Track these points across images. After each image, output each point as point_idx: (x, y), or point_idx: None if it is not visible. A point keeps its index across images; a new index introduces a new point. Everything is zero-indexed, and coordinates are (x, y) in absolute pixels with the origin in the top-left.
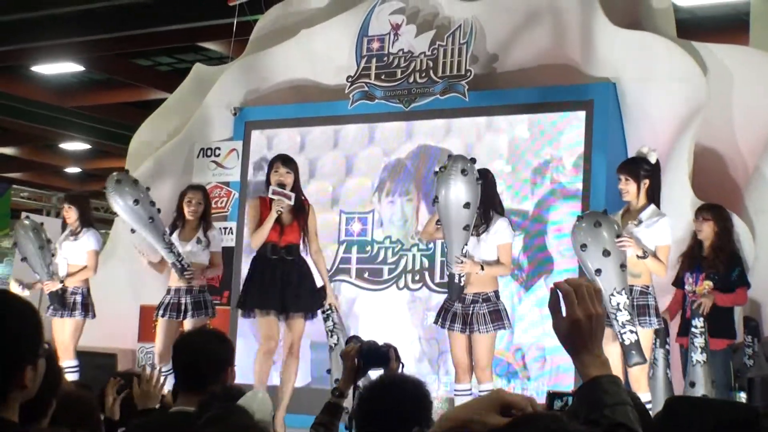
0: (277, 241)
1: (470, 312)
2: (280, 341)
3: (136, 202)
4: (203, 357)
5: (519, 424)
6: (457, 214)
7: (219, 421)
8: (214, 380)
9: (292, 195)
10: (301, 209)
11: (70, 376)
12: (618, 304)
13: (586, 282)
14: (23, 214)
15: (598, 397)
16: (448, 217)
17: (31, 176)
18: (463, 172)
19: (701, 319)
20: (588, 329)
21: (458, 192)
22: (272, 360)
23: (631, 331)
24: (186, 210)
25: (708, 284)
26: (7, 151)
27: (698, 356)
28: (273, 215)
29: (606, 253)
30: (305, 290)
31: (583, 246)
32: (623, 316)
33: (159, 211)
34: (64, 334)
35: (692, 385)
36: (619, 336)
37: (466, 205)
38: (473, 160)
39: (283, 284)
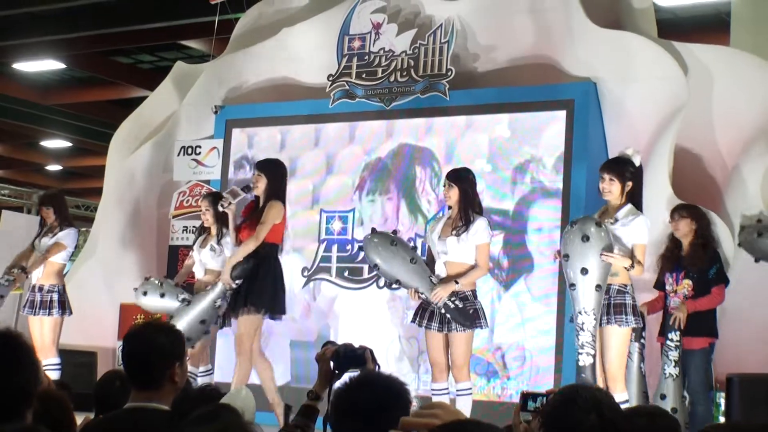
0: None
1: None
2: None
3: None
4: (150, 351)
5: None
6: None
7: (208, 419)
8: (161, 375)
9: (239, 192)
10: (258, 209)
11: (53, 374)
12: (583, 323)
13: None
14: None
15: None
16: None
17: (12, 174)
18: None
19: (677, 332)
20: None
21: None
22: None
23: (588, 354)
24: (203, 218)
25: (687, 283)
26: None
27: (671, 369)
28: (230, 218)
29: (584, 271)
30: (261, 288)
31: (566, 256)
32: (585, 336)
33: None
34: (42, 333)
35: (663, 397)
36: (577, 355)
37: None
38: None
39: (242, 283)
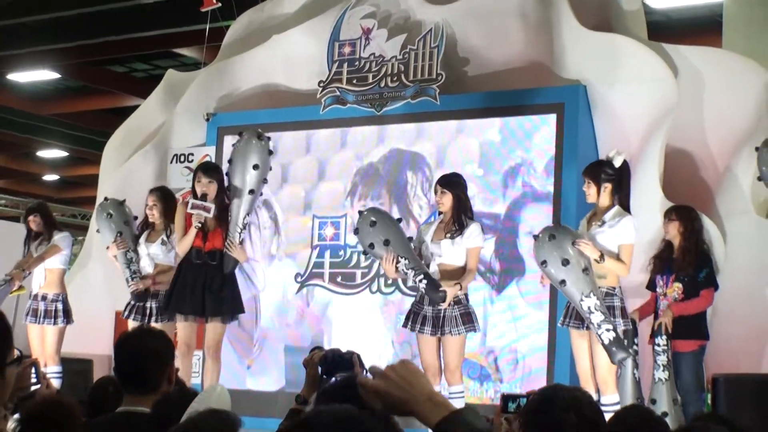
0: (201, 246)
1: (441, 315)
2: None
3: (110, 215)
4: (142, 355)
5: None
6: None
7: (201, 423)
8: (157, 378)
9: (211, 206)
10: (224, 215)
11: (55, 383)
12: (589, 307)
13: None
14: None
15: None
16: None
17: (8, 184)
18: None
19: (664, 337)
20: (397, 391)
21: None
22: (191, 364)
23: (608, 330)
24: (148, 215)
25: (678, 286)
26: None
27: (660, 374)
28: (193, 229)
29: (565, 262)
30: (227, 295)
31: (544, 263)
32: (597, 317)
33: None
34: (45, 342)
35: (653, 402)
36: (598, 337)
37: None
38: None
39: (204, 289)
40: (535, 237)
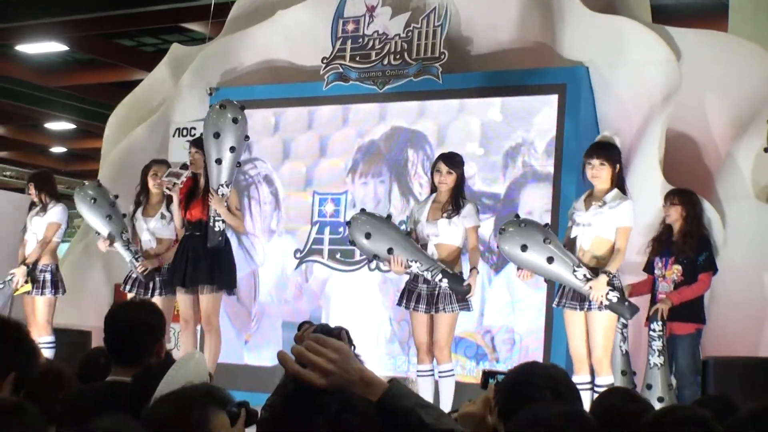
0: (185, 217)
1: (436, 292)
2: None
3: (94, 200)
4: (136, 328)
5: None
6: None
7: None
8: (148, 351)
9: (183, 173)
10: (198, 185)
11: (47, 352)
12: (584, 275)
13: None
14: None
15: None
16: None
17: (16, 155)
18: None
19: (659, 323)
20: (338, 373)
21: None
22: (194, 338)
23: (611, 290)
24: (151, 183)
25: (677, 269)
26: None
27: (655, 359)
28: (174, 199)
29: (547, 240)
30: (209, 264)
31: (524, 247)
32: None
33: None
34: (36, 312)
35: (649, 387)
36: (605, 300)
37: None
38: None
39: (188, 260)
40: (502, 229)
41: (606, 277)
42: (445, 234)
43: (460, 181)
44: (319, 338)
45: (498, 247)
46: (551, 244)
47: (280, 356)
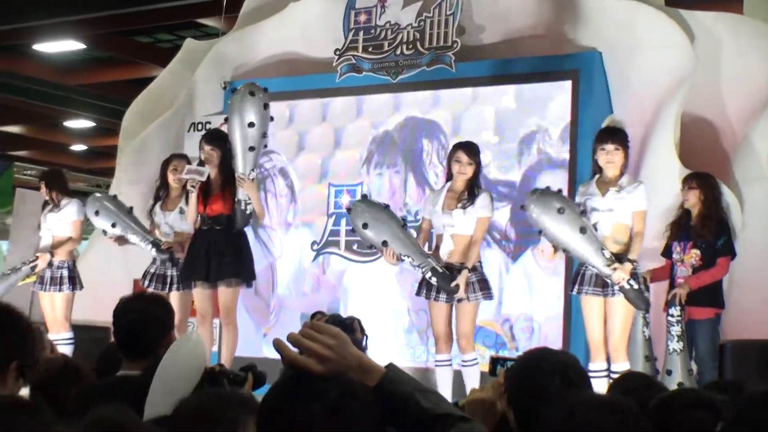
0: (204, 212)
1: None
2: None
3: (96, 212)
4: (145, 321)
5: None
6: None
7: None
8: (158, 345)
9: (205, 170)
10: (228, 180)
11: (66, 348)
12: (611, 255)
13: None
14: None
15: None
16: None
17: (37, 154)
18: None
19: (678, 308)
20: (336, 358)
21: None
22: (211, 332)
23: (632, 278)
24: (171, 178)
25: (695, 253)
26: (12, 129)
27: (675, 345)
28: (192, 194)
29: (583, 213)
30: (232, 258)
31: (561, 209)
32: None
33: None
34: (54, 309)
35: (669, 373)
36: (625, 284)
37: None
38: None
39: (210, 254)
40: (534, 192)
41: (631, 265)
42: (460, 224)
43: (478, 170)
44: (315, 325)
45: (528, 208)
46: (584, 217)
47: (276, 343)
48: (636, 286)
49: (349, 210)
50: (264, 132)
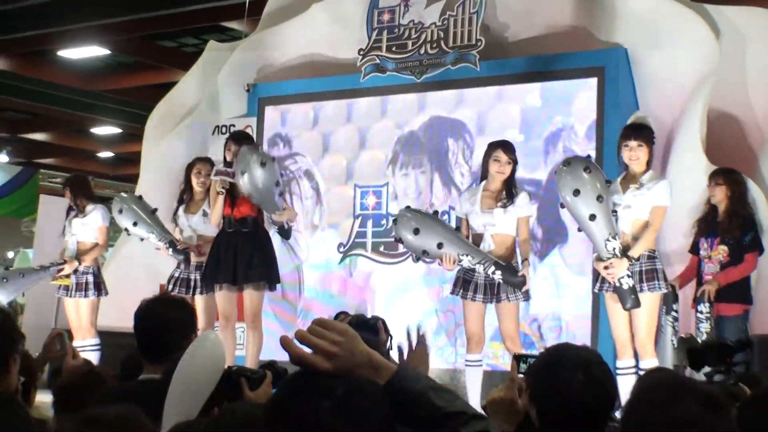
0: (231, 214)
1: (495, 282)
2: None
3: (120, 211)
4: (167, 324)
5: None
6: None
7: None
8: (179, 347)
9: (229, 173)
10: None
11: (92, 355)
12: (614, 249)
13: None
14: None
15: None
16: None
17: (64, 162)
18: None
19: (707, 304)
20: (344, 355)
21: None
22: (234, 335)
23: (628, 276)
24: (195, 182)
25: (723, 249)
26: (38, 136)
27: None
28: (219, 196)
29: (600, 198)
30: (260, 261)
31: (576, 191)
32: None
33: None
34: (79, 315)
35: None
36: (617, 282)
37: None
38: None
39: (237, 257)
40: (566, 162)
41: (628, 262)
42: (502, 223)
43: (515, 169)
44: (322, 321)
45: (557, 176)
46: (604, 203)
47: (283, 341)
48: (627, 286)
49: (394, 221)
50: (276, 180)
